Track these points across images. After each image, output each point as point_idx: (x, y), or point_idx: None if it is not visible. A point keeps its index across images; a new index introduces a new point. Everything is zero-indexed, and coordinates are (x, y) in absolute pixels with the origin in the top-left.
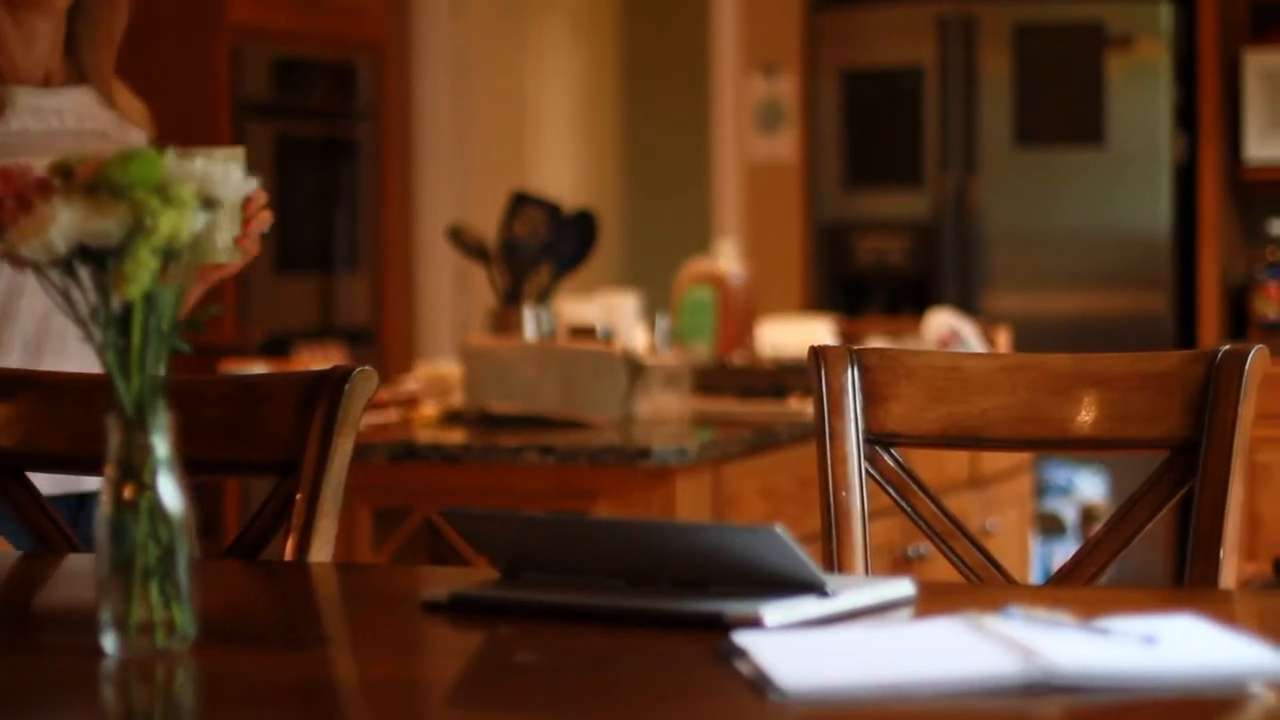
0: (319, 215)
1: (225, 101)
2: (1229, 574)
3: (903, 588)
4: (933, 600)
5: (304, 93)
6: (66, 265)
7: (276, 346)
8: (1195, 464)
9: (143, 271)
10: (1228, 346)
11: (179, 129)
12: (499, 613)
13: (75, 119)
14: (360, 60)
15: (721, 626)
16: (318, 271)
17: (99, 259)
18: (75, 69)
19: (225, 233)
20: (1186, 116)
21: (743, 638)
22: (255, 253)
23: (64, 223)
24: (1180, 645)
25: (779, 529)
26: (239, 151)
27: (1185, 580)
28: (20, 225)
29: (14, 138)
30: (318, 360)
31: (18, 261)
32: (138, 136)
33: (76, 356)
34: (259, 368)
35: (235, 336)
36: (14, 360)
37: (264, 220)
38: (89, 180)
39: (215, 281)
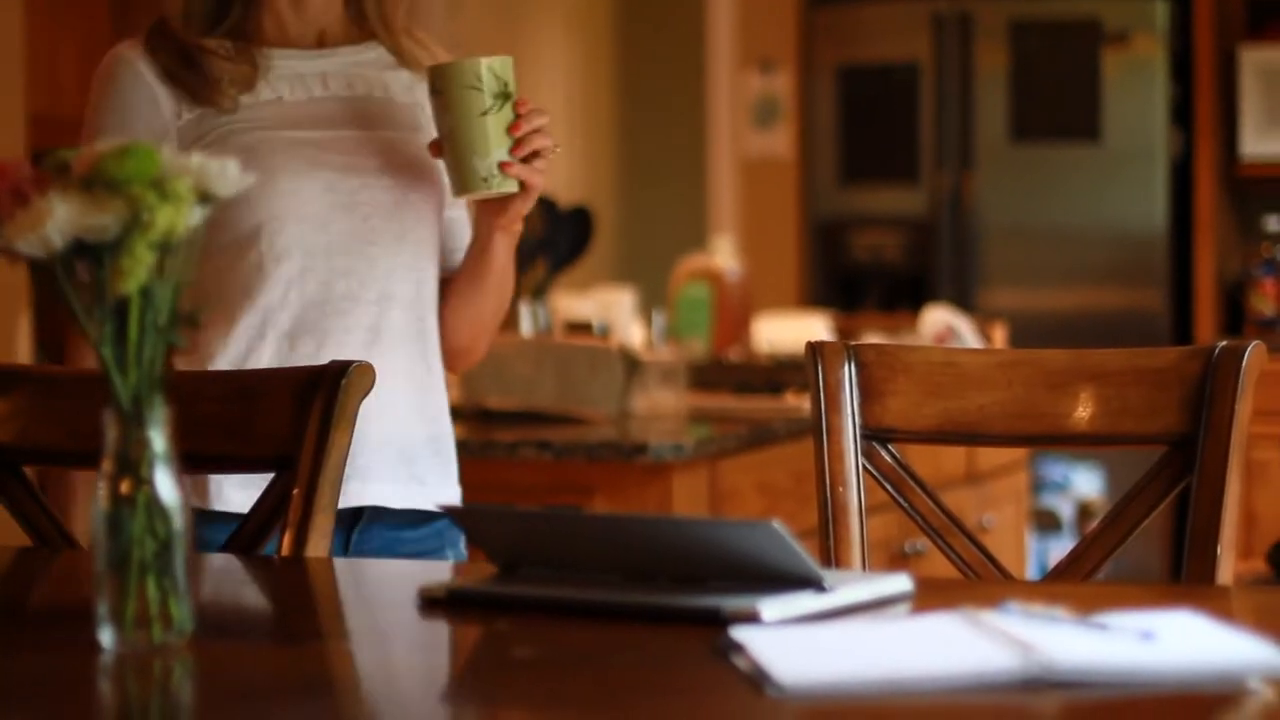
0: None
1: None
2: (1226, 570)
3: (900, 583)
4: (930, 596)
5: None
6: (63, 260)
7: None
8: (1192, 460)
9: (139, 267)
10: (1225, 343)
11: None
12: (496, 608)
13: (344, 84)
14: None
15: (719, 621)
16: None
17: (96, 254)
18: (358, 25)
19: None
20: (1182, 113)
21: (740, 633)
22: (536, 185)
23: (60, 217)
24: (1178, 641)
25: (776, 524)
26: (508, 59)
27: (1183, 577)
28: (17, 220)
29: (263, 109)
30: None
31: (14, 256)
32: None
33: (334, 349)
34: None
35: None
36: (269, 353)
37: (537, 140)
38: (85, 175)
39: (514, 224)
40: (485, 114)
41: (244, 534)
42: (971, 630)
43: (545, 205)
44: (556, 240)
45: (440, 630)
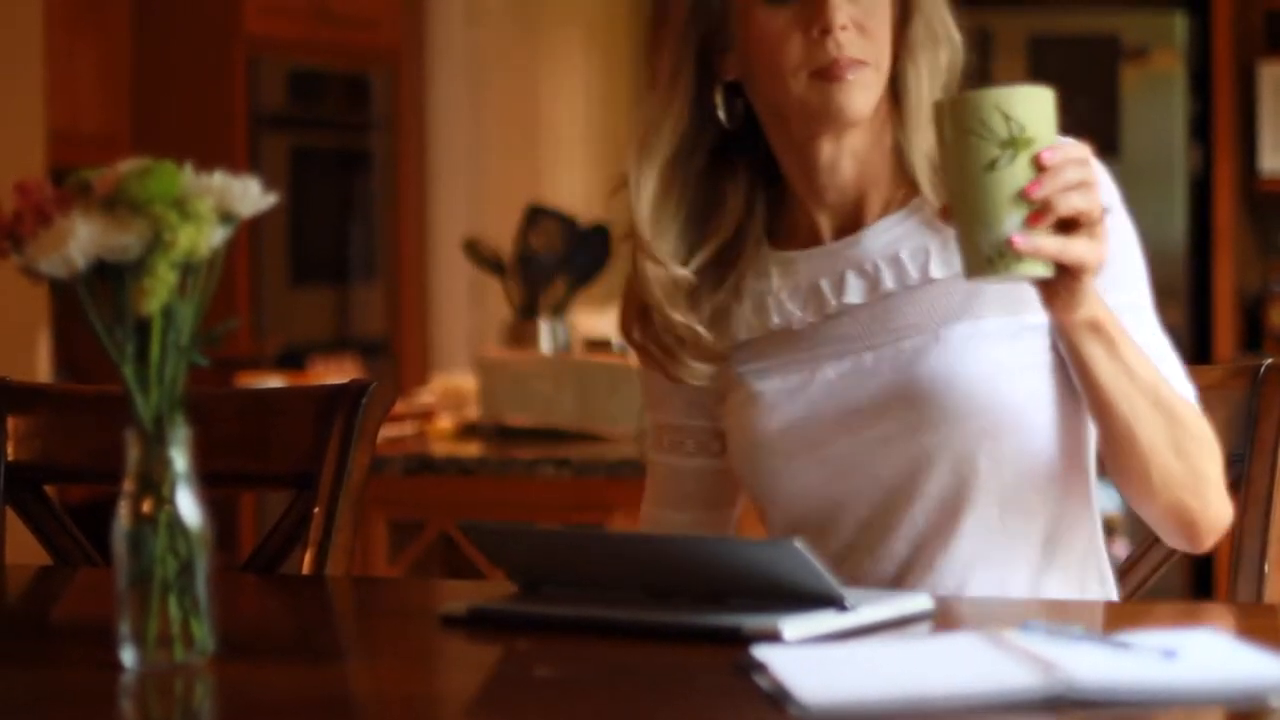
0: (334, 227)
1: (241, 113)
2: (1274, 589)
3: (921, 602)
4: (952, 614)
5: (319, 104)
6: (85, 280)
7: (291, 358)
8: (1238, 480)
9: (161, 286)
10: (1270, 360)
11: (195, 141)
12: (517, 627)
13: (912, 271)
14: (375, 72)
15: (740, 640)
16: (333, 283)
17: (118, 273)
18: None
19: None
20: (1201, 128)
21: (762, 651)
22: (1072, 263)
23: (83, 237)
24: (1200, 659)
25: (798, 543)
26: (1031, 90)
27: (1230, 597)
28: (39, 239)
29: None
30: (333, 372)
31: (36, 276)
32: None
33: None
34: (274, 380)
35: (250, 348)
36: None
37: (1071, 201)
38: (108, 194)
39: (1072, 314)
40: (991, 168)
41: (265, 552)
42: (993, 649)
43: (566, 222)
44: (576, 257)
45: (461, 649)
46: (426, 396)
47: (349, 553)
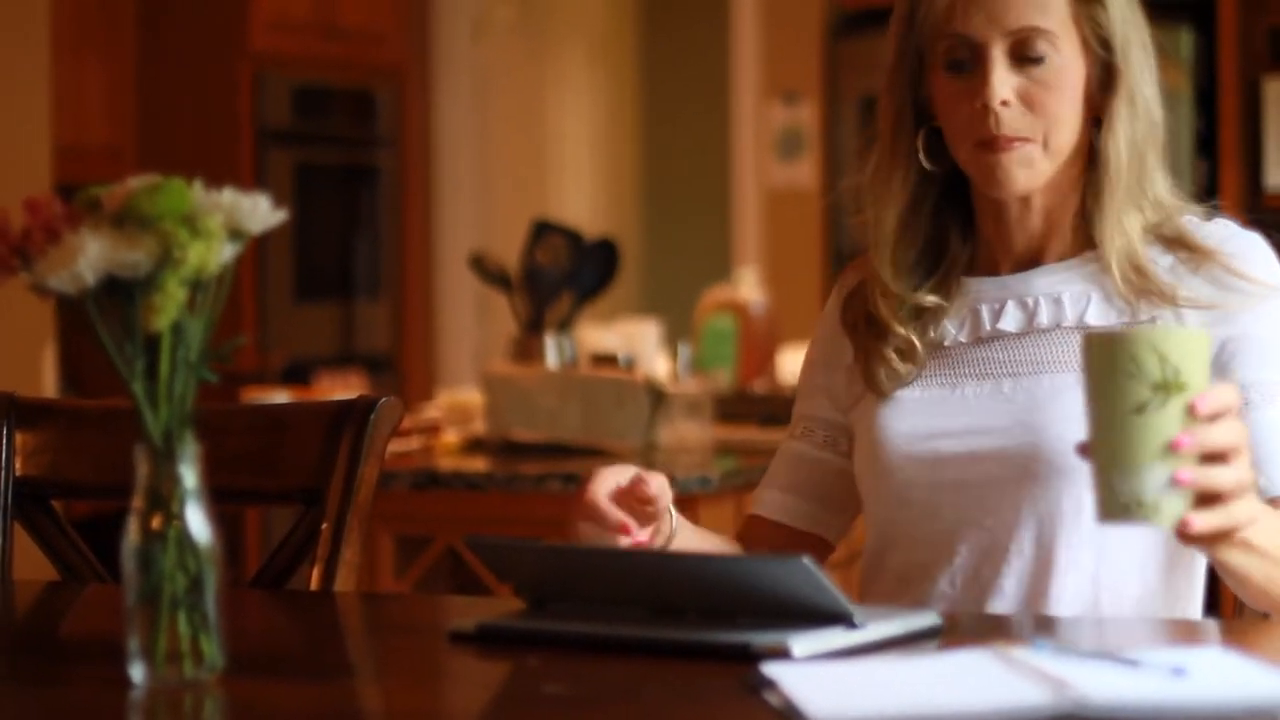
0: (339, 242)
1: (247, 128)
2: None
3: (929, 618)
4: (960, 632)
5: (325, 119)
6: (94, 297)
7: (297, 373)
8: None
9: (171, 303)
10: None
11: (200, 156)
12: (526, 643)
13: (1070, 313)
14: (380, 87)
15: (750, 657)
16: (338, 298)
17: (127, 290)
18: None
19: None
20: (1207, 145)
21: (771, 669)
22: (1201, 534)
23: (92, 254)
24: (1210, 677)
25: (806, 560)
26: (1188, 334)
27: (1240, 614)
28: (48, 256)
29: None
30: (338, 387)
31: (44, 292)
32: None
33: None
34: (280, 395)
35: (257, 363)
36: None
37: (1215, 479)
38: (117, 211)
39: (1216, 543)
40: (1140, 411)
41: (272, 568)
42: (1003, 666)
43: (571, 237)
44: (582, 272)
45: (470, 666)
46: (432, 411)
47: (356, 569)
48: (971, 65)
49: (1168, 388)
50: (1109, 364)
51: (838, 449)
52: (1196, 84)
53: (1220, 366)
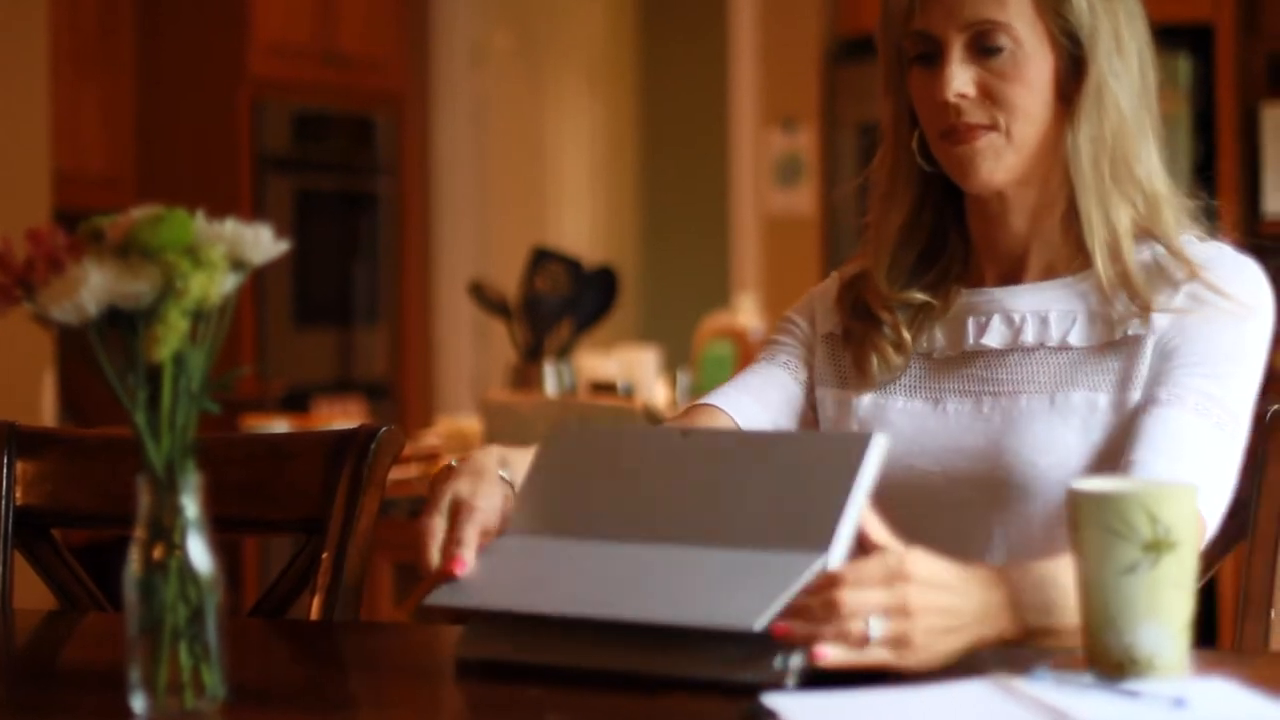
0: (338, 268)
1: (246, 155)
2: None
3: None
4: (960, 661)
5: (324, 146)
6: (97, 327)
7: (296, 400)
8: (1245, 524)
9: (173, 334)
10: (1277, 406)
11: (199, 183)
12: (528, 675)
13: (1054, 333)
14: (379, 114)
15: (750, 690)
16: (337, 325)
17: (129, 320)
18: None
19: None
20: (1205, 170)
21: (771, 700)
22: None
23: (95, 285)
24: (1210, 708)
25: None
26: (1182, 491)
27: (1236, 643)
28: (51, 286)
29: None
30: (337, 414)
31: (47, 322)
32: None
33: None
34: (279, 422)
35: (255, 390)
36: None
37: None
38: (120, 242)
39: None
40: (1130, 572)
41: (273, 597)
42: (1002, 697)
43: (571, 265)
44: (581, 299)
45: (472, 696)
46: (431, 438)
47: (357, 598)
48: (936, 60)
49: (1159, 547)
50: (1098, 523)
51: (799, 380)
52: (1195, 110)
53: (1162, 351)
